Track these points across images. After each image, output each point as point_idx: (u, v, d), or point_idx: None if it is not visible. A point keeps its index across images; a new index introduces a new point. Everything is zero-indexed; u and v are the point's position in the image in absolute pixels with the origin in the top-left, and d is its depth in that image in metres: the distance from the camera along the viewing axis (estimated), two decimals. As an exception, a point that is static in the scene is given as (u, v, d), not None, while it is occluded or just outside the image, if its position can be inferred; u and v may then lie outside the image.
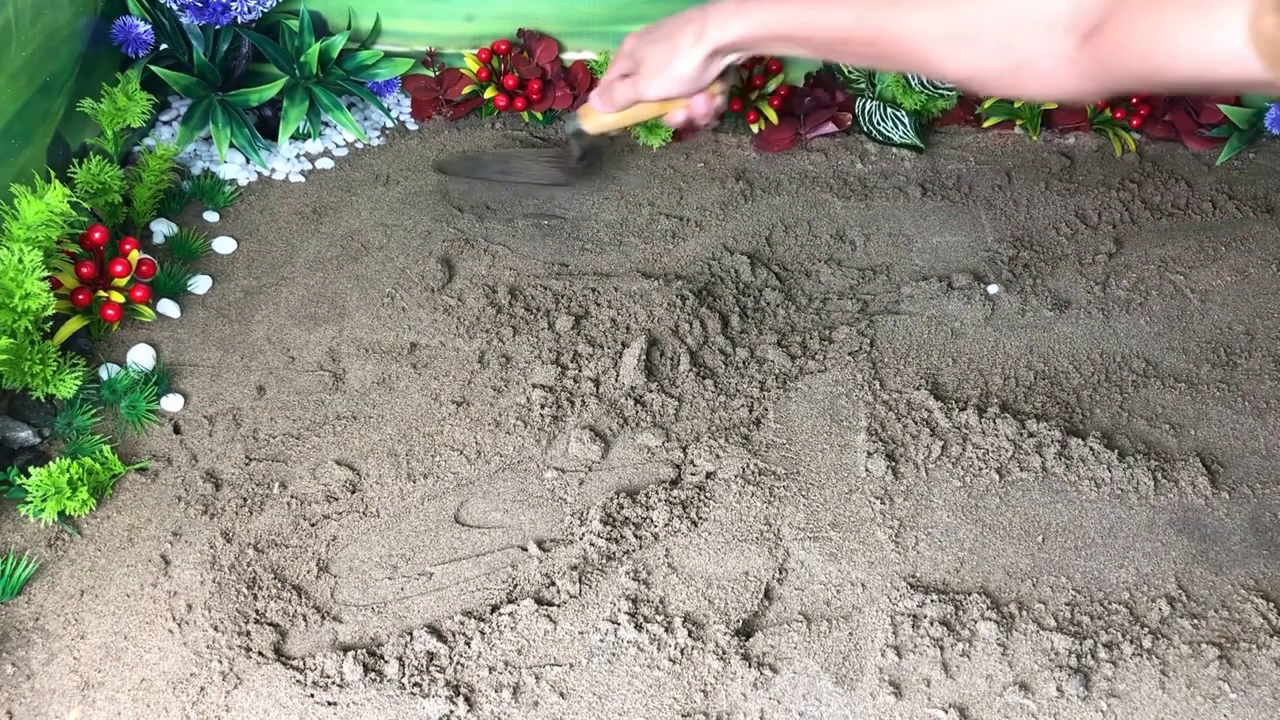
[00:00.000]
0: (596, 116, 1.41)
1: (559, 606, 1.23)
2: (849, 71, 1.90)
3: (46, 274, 1.31)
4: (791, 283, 1.64)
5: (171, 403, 1.43)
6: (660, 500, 1.34)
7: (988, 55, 0.98)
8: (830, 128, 1.88)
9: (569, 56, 1.93)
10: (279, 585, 1.24)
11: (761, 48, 1.21)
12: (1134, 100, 1.92)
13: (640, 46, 1.29)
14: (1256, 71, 0.82)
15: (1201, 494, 1.38)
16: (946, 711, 1.16)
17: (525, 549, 1.29)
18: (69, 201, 1.36)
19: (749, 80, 1.90)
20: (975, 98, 1.93)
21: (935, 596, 1.25)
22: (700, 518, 1.33)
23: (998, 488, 1.37)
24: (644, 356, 1.48)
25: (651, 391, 1.46)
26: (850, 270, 1.67)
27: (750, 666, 1.18)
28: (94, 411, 1.39)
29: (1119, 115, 1.92)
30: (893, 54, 1.06)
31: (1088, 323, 1.60)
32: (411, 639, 1.19)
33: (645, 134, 1.85)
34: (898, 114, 1.87)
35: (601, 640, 1.20)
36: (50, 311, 1.34)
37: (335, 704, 1.14)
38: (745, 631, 1.22)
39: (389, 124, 1.89)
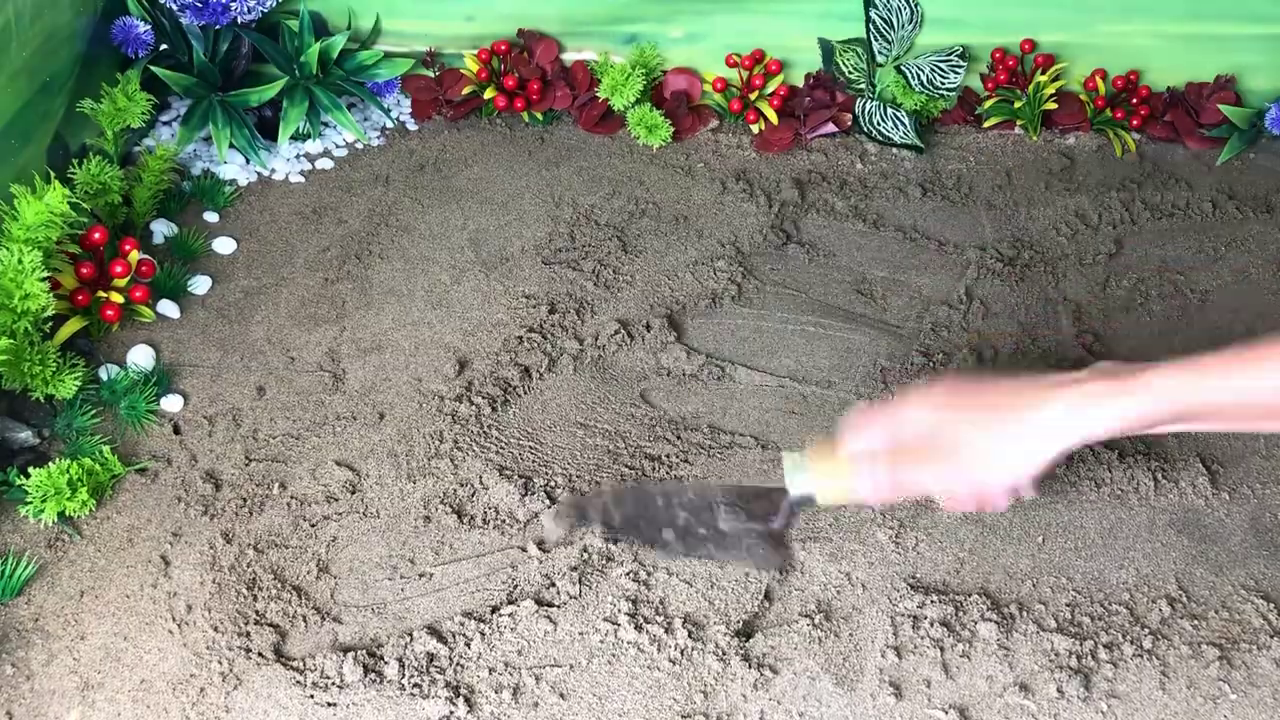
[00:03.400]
0: (842, 486, 1.03)
1: (559, 607, 1.23)
2: (849, 72, 1.90)
3: (46, 274, 1.31)
4: (793, 284, 1.64)
5: (171, 403, 1.42)
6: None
7: None
8: (830, 128, 1.88)
9: (569, 56, 1.93)
10: (279, 586, 1.24)
11: (1144, 430, 0.93)
12: (1134, 100, 1.92)
13: (949, 425, 0.98)
14: None
15: (1201, 494, 1.38)
16: (947, 712, 1.16)
17: (525, 549, 1.29)
18: (69, 202, 1.36)
19: (749, 80, 1.90)
20: (976, 97, 1.93)
21: (935, 597, 1.25)
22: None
23: (998, 488, 1.37)
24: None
25: (651, 392, 1.47)
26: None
27: (750, 667, 1.18)
28: (94, 412, 1.39)
29: (1119, 115, 1.92)
30: None
31: (1088, 323, 1.60)
32: (411, 640, 1.19)
33: (645, 134, 1.85)
34: (898, 114, 1.87)
35: (601, 641, 1.20)
36: (50, 312, 1.34)
37: (335, 705, 1.13)
38: (745, 632, 1.22)
39: (389, 124, 1.89)
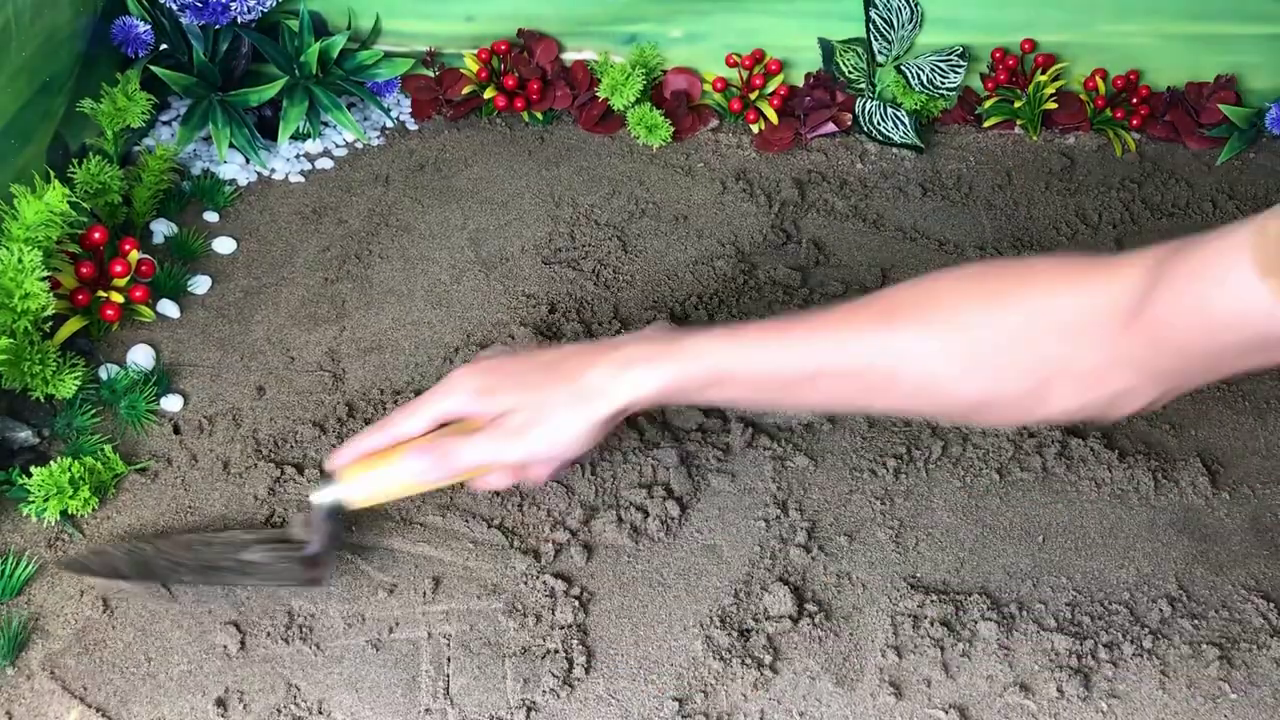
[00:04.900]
0: (386, 478, 1.04)
1: (570, 598, 1.23)
2: (849, 72, 1.90)
3: (46, 274, 1.31)
4: (793, 283, 1.64)
5: (171, 403, 1.43)
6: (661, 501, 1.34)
7: (1015, 372, 0.83)
8: (830, 128, 1.88)
9: (569, 56, 1.93)
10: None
11: (689, 398, 0.98)
12: (1134, 100, 1.92)
13: (496, 389, 0.98)
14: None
15: (1202, 494, 1.38)
16: (947, 712, 1.16)
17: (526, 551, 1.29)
18: (69, 201, 1.36)
19: (749, 80, 1.90)
20: (976, 97, 1.93)
21: (935, 597, 1.25)
22: (700, 518, 1.33)
23: (998, 488, 1.38)
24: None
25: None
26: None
27: (750, 667, 1.18)
28: (93, 412, 1.39)
29: (1119, 115, 1.92)
30: (883, 386, 0.88)
31: (1088, 323, 1.60)
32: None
33: (645, 134, 1.85)
34: (898, 114, 1.87)
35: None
36: (50, 311, 1.34)
37: (329, 693, 1.14)
38: (745, 631, 1.22)
39: (389, 124, 1.89)
